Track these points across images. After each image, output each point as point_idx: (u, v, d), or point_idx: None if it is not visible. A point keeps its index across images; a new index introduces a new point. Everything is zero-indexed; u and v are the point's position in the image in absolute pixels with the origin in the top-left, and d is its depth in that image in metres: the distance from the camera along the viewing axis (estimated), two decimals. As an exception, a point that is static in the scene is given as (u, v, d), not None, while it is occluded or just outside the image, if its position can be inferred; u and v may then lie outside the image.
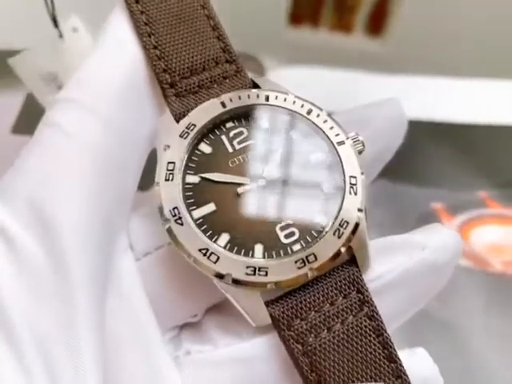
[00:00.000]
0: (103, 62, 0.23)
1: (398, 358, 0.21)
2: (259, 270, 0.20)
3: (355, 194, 0.22)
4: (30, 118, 0.47)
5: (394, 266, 0.22)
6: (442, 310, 0.43)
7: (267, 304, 0.21)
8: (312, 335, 0.20)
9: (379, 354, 0.21)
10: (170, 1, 0.25)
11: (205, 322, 0.24)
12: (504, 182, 0.50)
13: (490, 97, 0.56)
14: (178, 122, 0.23)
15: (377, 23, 0.80)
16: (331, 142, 0.22)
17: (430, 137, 0.53)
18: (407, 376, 0.21)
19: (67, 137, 0.22)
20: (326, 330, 0.21)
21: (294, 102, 0.23)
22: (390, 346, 0.21)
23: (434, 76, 0.57)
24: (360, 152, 0.23)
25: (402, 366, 0.21)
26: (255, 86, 0.24)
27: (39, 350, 0.19)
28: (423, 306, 0.24)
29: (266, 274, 0.20)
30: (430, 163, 0.51)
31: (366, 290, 0.21)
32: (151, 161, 0.25)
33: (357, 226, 0.21)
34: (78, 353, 0.19)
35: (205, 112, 0.23)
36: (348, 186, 0.21)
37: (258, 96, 0.23)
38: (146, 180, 0.25)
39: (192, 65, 0.24)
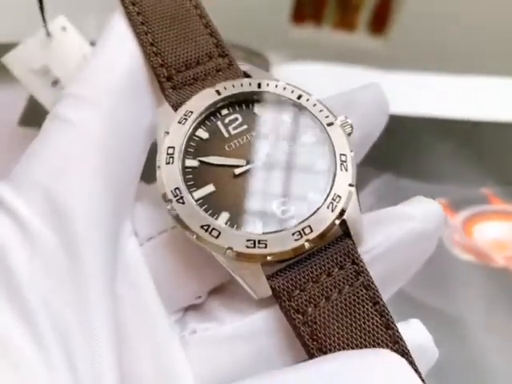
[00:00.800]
0: (105, 59, 0.25)
1: (395, 325, 0.22)
2: (259, 243, 0.21)
3: (346, 170, 0.23)
4: (36, 111, 0.47)
5: (385, 236, 0.24)
6: (443, 305, 0.43)
7: (268, 277, 0.22)
8: (311, 305, 0.21)
9: (376, 321, 0.21)
10: (164, 2, 0.26)
11: (208, 303, 0.25)
12: (507, 179, 0.50)
13: (495, 94, 0.56)
14: (175, 111, 0.24)
15: (380, 22, 0.80)
16: (321, 123, 0.24)
17: (434, 133, 0.53)
18: (404, 341, 0.22)
19: (75, 130, 0.23)
20: (324, 300, 0.22)
21: (285, 88, 0.24)
22: (387, 314, 0.22)
23: (437, 73, 0.57)
24: (349, 134, 0.24)
25: (399, 333, 0.22)
26: (247, 76, 0.26)
27: (55, 329, 0.19)
28: (413, 272, 0.26)
29: (266, 247, 0.21)
30: (433, 159, 0.51)
31: (361, 261, 0.22)
32: (151, 156, 0.26)
33: (349, 199, 0.22)
34: (92, 334, 0.20)
35: (201, 100, 0.24)
36: (339, 162, 0.23)
37: (250, 84, 0.24)
38: (148, 174, 0.26)
39: (187, 60, 0.25)
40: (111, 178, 0.23)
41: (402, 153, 0.51)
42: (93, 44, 0.40)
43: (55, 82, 0.39)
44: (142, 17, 0.26)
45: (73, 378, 0.19)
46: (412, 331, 0.23)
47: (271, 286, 0.22)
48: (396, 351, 0.21)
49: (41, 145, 0.23)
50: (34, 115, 0.48)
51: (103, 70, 0.24)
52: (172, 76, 0.25)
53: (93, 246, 0.21)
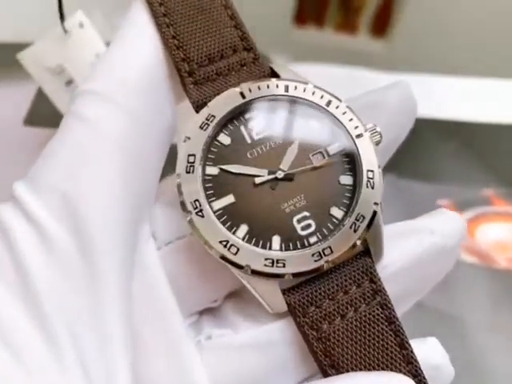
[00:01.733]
0: (123, 54, 0.24)
1: (409, 345, 0.21)
2: (277, 262, 0.21)
3: (372, 187, 0.22)
4: (42, 111, 0.47)
5: (405, 251, 0.23)
6: (447, 306, 0.43)
7: (284, 292, 0.21)
8: (326, 322, 0.21)
9: (391, 341, 0.21)
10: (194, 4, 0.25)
11: (224, 308, 0.25)
12: (510, 180, 0.50)
13: (498, 96, 0.56)
14: (196, 110, 0.23)
15: (381, 24, 0.81)
16: (350, 134, 0.22)
17: (437, 134, 0.53)
18: (418, 362, 0.21)
19: (93, 128, 0.22)
20: (339, 318, 0.21)
21: (314, 93, 0.23)
22: (402, 334, 0.21)
23: (439, 75, 0.57)
24: (377, 143, 0.23)
25: (413, 353, 0.21)
26: (273, 73, 0.24)
27: (69, 331, 0.19)
28: (430, 288, 0.25)
29: (284, 266, 0.21)
30: (436, 160, 0.51)
31: (379, 280, 0.22)
32: (170, 149, 0.25)
33: (372, 219, 0.21)
34: (106, 337, 0.20)
35: (224, 103, 0.23)
36: (365, 179, 0.22)
37: (277, 86, 0.23)
38: (166, 168, 0.25)
39: (210, 53, 0.24)
40: (130, 180, 0.22)
41: (403, 153, 0.51)
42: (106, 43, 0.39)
43: (69, 82, 0.39)
44: (164, 8, 0.24)
45: (85, 378, 0.19)
46: (429, 350, 0.22)
47: (287, 302, 0.21)
48: (409, 372, 0.21)
49: (58, 144, 0.22)
50: (39, 115, 0.48)
51: (121, 65, 0.23)
52: (194, 71, 0.24)
53: (109, 250, 0.21)
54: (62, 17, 0.36)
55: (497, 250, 0.46)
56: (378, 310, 0.21)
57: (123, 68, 0.23)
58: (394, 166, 0.50)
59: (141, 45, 0.24)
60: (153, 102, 0.24)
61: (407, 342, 0.21)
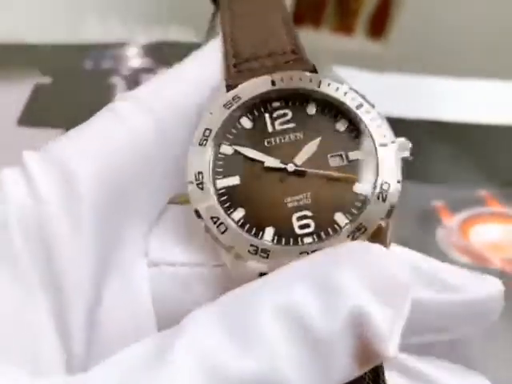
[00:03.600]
0: (179, 72, 0.25)
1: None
2: (261, 251, 0.20)
3: (383, 200, 0.20)
4: (36, 111, 0.48)
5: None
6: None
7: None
8: None
9: None
10: (253, 2, 0.26)
11: None
12: (504, 181, 0.51)
13: (492, 97, 0.57)
14: (227, 91, 0.23)
15: (378, 26, 0.81)
16: (374, 141, 0.22)
17: (431, 136, 0.53)
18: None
19: (122, 124, 0.23)
20: None
21: (346, 93, 0.22)
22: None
23: (435, 76, 0.57)
24: (405, 159, 0.22)
25: None
26: (314, 70, 0.24)
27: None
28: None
29: (267, 257, 0.20)
30: (430, 161, 0.51)
31: None
32: None
33: (375, 233, 0.20)
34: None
35: (253, 87, 0.23)
36: (378, 190, 0.21)
37: (310, 80, 0.23)
38: None
39: (260, 54, 0.25)
40: (135, 178, 0.23)
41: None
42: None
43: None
44: (230, 11, 0.26)
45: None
46: None
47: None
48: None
49: (84, 126, 0.23)
50: (33, 115, 0.48)
51: (171, 86, 0.24)
52: (239, 63, 0.24)
53: (92, 216, 0.21)
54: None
55: (491, 251, 0.46)
56: None
57: (172, 88, 0.24)
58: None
59: (196, 75, 0.25)
60: (183, 134, 0.24)
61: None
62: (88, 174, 0.21)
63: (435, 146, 0.53)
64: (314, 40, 0.79)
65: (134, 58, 0.56)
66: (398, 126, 0.53)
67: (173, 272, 0.23)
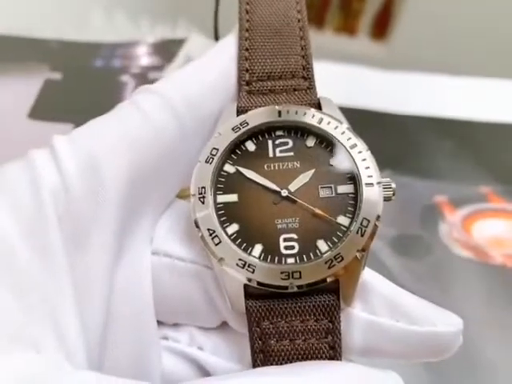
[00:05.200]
0: (197, 68, 0.26)
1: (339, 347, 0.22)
2: (248, 266, 0.22)
3: (362, 235, 0.22)
4: (46, 104, 0.48)
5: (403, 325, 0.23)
6: (442, 300, 0.43)
7: (248, 297, 0.22)
8: (274, 339, 0.22)
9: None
10: (273, 10, 0.28)
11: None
12: (506, 177, 0.51)
13: (495, 95, 0.57)
14: (237, 114, 0.25)
15: (381, 27, 0.81)
16: (360, 180, 0.23)
17: (434, 133, 0.54)
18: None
19: (144, 119, 0.24)
20: (288, 340, 0.22)
21: (343, 133, 0.24)
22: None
23: (437, 74, 0.58)
24: (387, 199, 0.24)
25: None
26: (319, 105, 0.26)
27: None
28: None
29: (253, 272, 0.22)
30: (433, 158, 0.52)
31: (338, 322, 0.22)
32: None
33: (351, 263, 0.22)
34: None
35: (261, 115, 0.25)
36: (358, 225, 0.23)
37: (312, 116, 0.25)
38: None
39: (272, 72, 0.26)
40: (150, 171, 0.24)
41: (401, 151, 0.52)
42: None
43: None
44: (248, 24, 0.27)
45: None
46: None
47: (246, 306, 0.22)
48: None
49: (107, 116, 0.24)
50: (43, 109, 0.49)
51: (191, 81, 0.25)
52: (252, 82, 0.26)
53: (114, 203, 0.22)
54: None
55: (493, 246, 0.47)
56: (325, 347, 0.22)
57: (192, 88, 0.25)
58: (392, 162, 0.51)
59: (215, 67, 0.26)
60: (201, 133, 0.25)
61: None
62: (112, 166, 0.23)
63: (438, 143, 0.53)
64: (317, 41, 0.79)
65: (143, 57, 0.57)
66: (400, 122, 0.54)
67: (170, 263, 0.24)
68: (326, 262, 0.22)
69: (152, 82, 0.26)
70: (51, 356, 0.20)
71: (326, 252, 0.22)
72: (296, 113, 0.24)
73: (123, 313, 0.23)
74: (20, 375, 0.18)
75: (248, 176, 0.24)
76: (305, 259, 0.22)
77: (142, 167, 0.23)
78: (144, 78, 0.55)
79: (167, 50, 0.57)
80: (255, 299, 0.22)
